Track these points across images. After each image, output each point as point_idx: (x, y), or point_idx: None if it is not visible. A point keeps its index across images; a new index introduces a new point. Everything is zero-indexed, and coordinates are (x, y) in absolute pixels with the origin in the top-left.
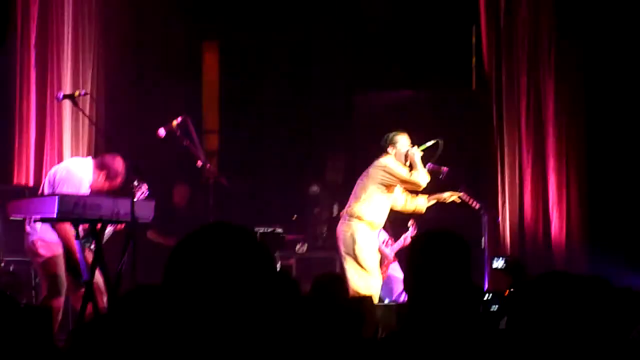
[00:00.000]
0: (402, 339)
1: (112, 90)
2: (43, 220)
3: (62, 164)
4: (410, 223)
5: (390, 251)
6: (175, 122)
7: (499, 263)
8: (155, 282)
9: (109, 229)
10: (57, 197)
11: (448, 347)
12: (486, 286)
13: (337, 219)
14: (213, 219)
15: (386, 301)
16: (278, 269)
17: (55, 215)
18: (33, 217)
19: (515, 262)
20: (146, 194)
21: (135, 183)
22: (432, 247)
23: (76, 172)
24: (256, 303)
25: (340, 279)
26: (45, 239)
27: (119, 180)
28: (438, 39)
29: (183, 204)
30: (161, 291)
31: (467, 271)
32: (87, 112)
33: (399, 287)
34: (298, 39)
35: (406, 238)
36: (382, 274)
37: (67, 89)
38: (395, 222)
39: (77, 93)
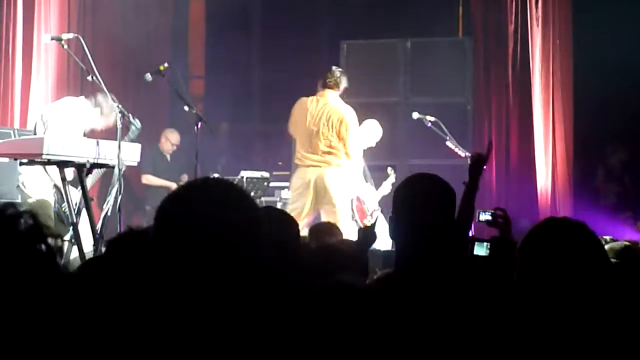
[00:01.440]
0: (392, 282)
1: (99, 33)
2: (30, 162)
3: (54, 104)
4: (389, 170)
5: (373, 200)
6: (162, 67)
7: (485, 216)
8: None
9: (96, 172)
10: (44, 139)
11: (437, 288)
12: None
13: None
14: (200, 165)
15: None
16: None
17: (42, 158)
18: (20, 159)
19: (502, 215)
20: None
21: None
22: (416, 189)
23: (68, 112)
24: (244, 262)
25: (337, 227)
26: (33, 181)
27: (112, 117)
28: None
29: (172, 149)
30: (151, 241)
31: (451, 213)
32: (74, 54)
33: (383, 234)
34: None
35: (387, 185)
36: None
37: (54, 31)
38: (376, 171)
39: (65, 35)
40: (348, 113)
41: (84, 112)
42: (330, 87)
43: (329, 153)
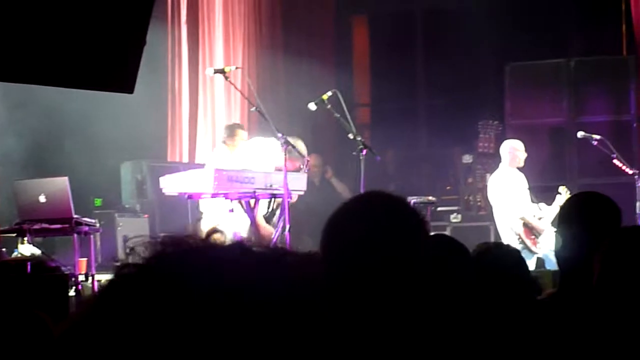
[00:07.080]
0: (559, 301)
1: (262, 65)
2: (200, 196)
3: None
4: (562, 189)
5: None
6: (325, 96)
7: None
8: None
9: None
10: (211, 171)
11: (603, 308)
12: None
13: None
14: (365, 191)
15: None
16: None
17: (211, 190)
18: (187, 193)
19: None
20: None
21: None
22: (579, 208)
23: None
24: (411, 271)
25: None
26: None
27: (299, 162)
28: (587, 6)
29: (316, 172)
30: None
31: (613, 228)
32: (238, 86)
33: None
34: (447, 8)
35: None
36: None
37: (218, 64)
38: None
39: (227, 68)
40: None
41: (273, 152)
42: None
43: None
